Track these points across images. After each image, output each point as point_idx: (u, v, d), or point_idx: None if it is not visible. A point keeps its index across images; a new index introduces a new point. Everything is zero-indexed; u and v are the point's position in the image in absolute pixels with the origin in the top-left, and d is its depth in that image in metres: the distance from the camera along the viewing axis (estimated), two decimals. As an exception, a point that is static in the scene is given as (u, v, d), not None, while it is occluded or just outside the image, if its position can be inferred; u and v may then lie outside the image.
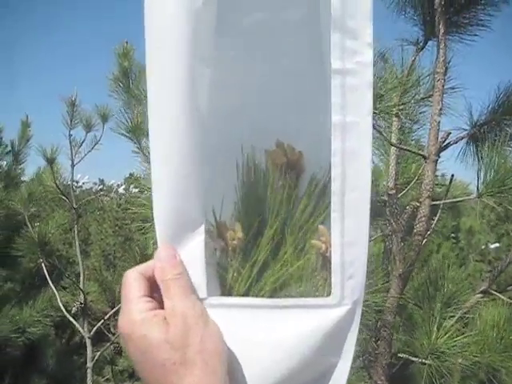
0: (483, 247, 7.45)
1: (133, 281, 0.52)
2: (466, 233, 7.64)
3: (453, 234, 7.75)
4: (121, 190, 10.16)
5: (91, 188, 10.16)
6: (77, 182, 7.42)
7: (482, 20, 2.00)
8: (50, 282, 3.57)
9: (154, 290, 0.53)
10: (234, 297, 0.56)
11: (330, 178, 0.56)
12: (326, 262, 0.57)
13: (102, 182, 11.01)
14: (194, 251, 0.53)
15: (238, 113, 0.61)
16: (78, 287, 3.80)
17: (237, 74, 0.62)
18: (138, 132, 2.42)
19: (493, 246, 7.24)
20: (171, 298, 0.51)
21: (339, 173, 0.52)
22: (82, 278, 3.86)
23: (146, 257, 3.32)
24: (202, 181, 0.53)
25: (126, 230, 7.72)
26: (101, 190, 10.16)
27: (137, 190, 9.59)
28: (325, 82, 0.57)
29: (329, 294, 0.54)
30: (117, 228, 7.80)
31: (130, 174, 11.08)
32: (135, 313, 0.50)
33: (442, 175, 2.42)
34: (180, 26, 0.50)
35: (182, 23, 0.50)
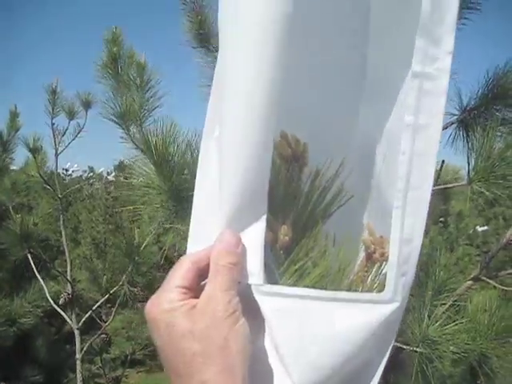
0: (471, 231, 7.51)
1: (179, 269, 0.52)
2: (456, 217, 7.69)
3: (441, 219, 7.80)
4: (110, 177, 10.11)
5: (80, 176, 10.10)
6: (66, 171, 7.38)
7: (471, 2, 1.98)
8: (36, 273, 3.55)
9: (203, 278, 0.52)
10: (286, 286, 0.55)
11: (337, 172, 0.60)
12: (370, 258, 0.58)
13: (91, 169, 10.93)
14: (254, 237, 0.53)
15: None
16: (66, 278, 3.78)
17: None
18: (126, 118, 2.38)
19: (481, 230, 7.31)
20: (214, 285, 0.50)
21: (405, 171, 0.53)
22: (69, 268, 3.84)
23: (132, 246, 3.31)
24: (267, 169, 0.53)
25: (116, 218, 7.70)
26: (90, 177, 10.09)
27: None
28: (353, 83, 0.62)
29: (381, 290, 0.54)
30: (107, 216, 7.78)
31: (120, 162, 11.05)
32: (165, 301, 0.50)
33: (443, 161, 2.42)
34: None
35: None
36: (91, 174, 10.67)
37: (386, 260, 0.55)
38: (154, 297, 0.51)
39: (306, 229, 0.59)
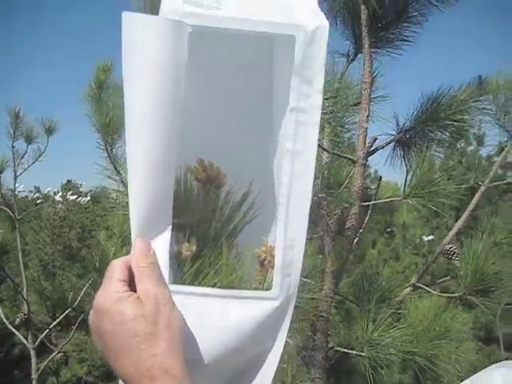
0: (418, 241, 7.71)
1: (115, 267, 0.61)
2: (401, 227, 7.93)
3: (388, 229, 8.02)
4: (57, 197, 9.90)
5: (26, 196, 9.87)
6: (12, 191, 7.22)
7: (406, 36, 2.17)
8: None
9: (132, 278, 0.61)
10: (190, 285, 0.66)
11: (248, 189, 0.72)
12: (263, 265, 0.69)
13: (37, 189, 10.69)
14: (161, 245, 0.63)
15: (188, 132, 0.69)
16: (22, 297, 3.75)
17: (194, 98, 0.69)
18: (106, 130, 2.53)
19: (427, 239, 7.51)
20: (144, 283, 0.59)
21: (286, 190, 0.65)
22: (25, 288, 3.81)
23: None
24: (171, 187, 0.63)
25: (64, 238, 7.56)
26: (37, 198, 9.88)
27: (74, 197, 9.39)
28: (259, 115, 0.73)
29: (268, 290, 0.66)
30: (55, 237, 7.62)
31: (68, 181, 10.85)
32: (112, 292, 0.58)
33: (380, 178, 2.57)
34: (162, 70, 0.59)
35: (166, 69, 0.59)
36: (38, 194, 10.45)
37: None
38: (100, 292, 0.60)
39: (213, 243, 0.70)
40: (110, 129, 2.67)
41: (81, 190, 10.55)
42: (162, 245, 0.63)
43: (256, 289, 0.68)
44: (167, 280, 0.62)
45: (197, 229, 0.70)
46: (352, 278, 2.42)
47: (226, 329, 0.64)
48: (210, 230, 0.71)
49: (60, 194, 9.76)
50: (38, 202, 9.77)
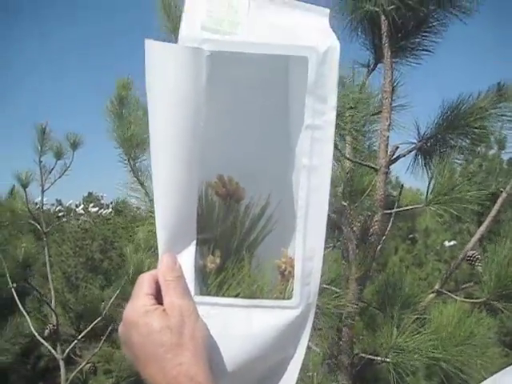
0: (439, 247, 7.64)
1: (143, 281, 0.65)
2: (423, 233, 7.87)
3: (410, 235, 7.97)
4: (79, 209, 10.02)
5: (49, 209, 9.99)
6: (36, 204, 7.31)
7: (426, 46, 2.21)
8: (21, 307, 3.58)
9: (159, 291, 0.65)
10: (214, 296, 0.70)
11: (266, 202, 0.75)
12: (284, 275, 0.72)
13: (59, 202, 10.84)
14: (187, 259, 0.66)
15: (208, 150, 0.72)
16: (51, 309, 3.82)
17: (213, 117, 0.72)
18: (128, 143, 2.61)
19: (448, 245, 7.44)
20: (170, 296, 0.63)
21: (304, 203, 0.68)
22: (53, 299, 3.88)
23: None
24: (194, 205, 0.67)
25: (86, 250, 7.62)
26: (59, 210, 10.00)
27: (96, 210, 9.47)
28: (275, 131, 0.77)
29: (288, 299, 0.69)
30: (77, 249, 7.69)
31: (89, 193, 11.00)
32: (140, 306, 0.62)
33: (402, 186, 2.59)
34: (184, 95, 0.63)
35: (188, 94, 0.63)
36: (60, 207, 10.58)
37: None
38: (128, 305, 0.64)
39: (235, 255, 0.74)
40: (132, 143, 2.75)
41: (102, 202, 10.68)
42: (187, 259, 0.67)
43: (277, 298, 0.71)
44: (193, 292, 0.66)
45: (220, 242, 0.74)
46: (375, 285, 2.44)
47: (249, 337, 0.67)
48: (232, 243, 0.75)
49: (82, 206, 9.89)
50: (60, 214, 9.88)
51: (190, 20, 0.66)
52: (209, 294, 0.69)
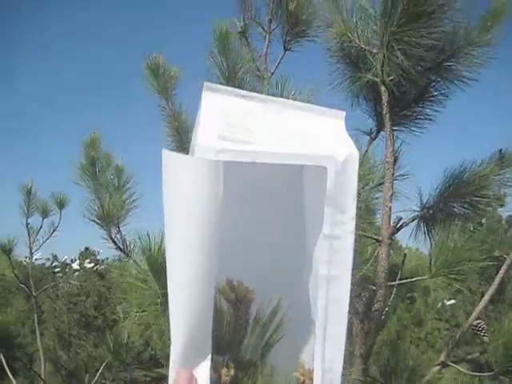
0: (439, 305, 7.56)
1: None
2: (422, 291, 7.79)
3: (408, 294, 7.88)
4: (75, 265, 9.93)
5: (44, 264, 9.90)
6: (29, 259, 7.25)
7: (428, 114, 2.22)
8: (9, 374, 3.47)
9: None
10: None
11: (277, 305, 0.74)
12: None
13: (55, 257, 10.74)
14: (202, 373, 0.64)
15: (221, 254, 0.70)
16: (39, 377, 3.71)
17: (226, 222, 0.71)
18: (108, 219, 2.52)
19: (449, 303, 7.36)
20: None
21: (323, 314, 0.65)
22: (43, 366, 3.77)
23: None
24: (209, 318, 0.65)
25: (81, 307, 7.53)
26: (55, 266, 9.91)
27: (91, 265, 9.38)
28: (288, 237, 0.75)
29: None
30: (71, 305, 7.60)
31: (86, 248, 10.90)
32: None
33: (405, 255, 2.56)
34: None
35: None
36: (55, 262, 10.49)
37: None
38: None
39: (247, 364, 0.73)
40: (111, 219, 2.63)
41: (98, 257, 10.59)
42: (202, 373, 0.64)
43: None
44: None
45: (232, 350, 0.72)
46: (379, 359, 2.37)
47: None
48: (244, 351, 0.73)
49: (77, 262, 9.80)
50: (55, 270, 9.79)
51: (205, 128, 0.64)
52: None
